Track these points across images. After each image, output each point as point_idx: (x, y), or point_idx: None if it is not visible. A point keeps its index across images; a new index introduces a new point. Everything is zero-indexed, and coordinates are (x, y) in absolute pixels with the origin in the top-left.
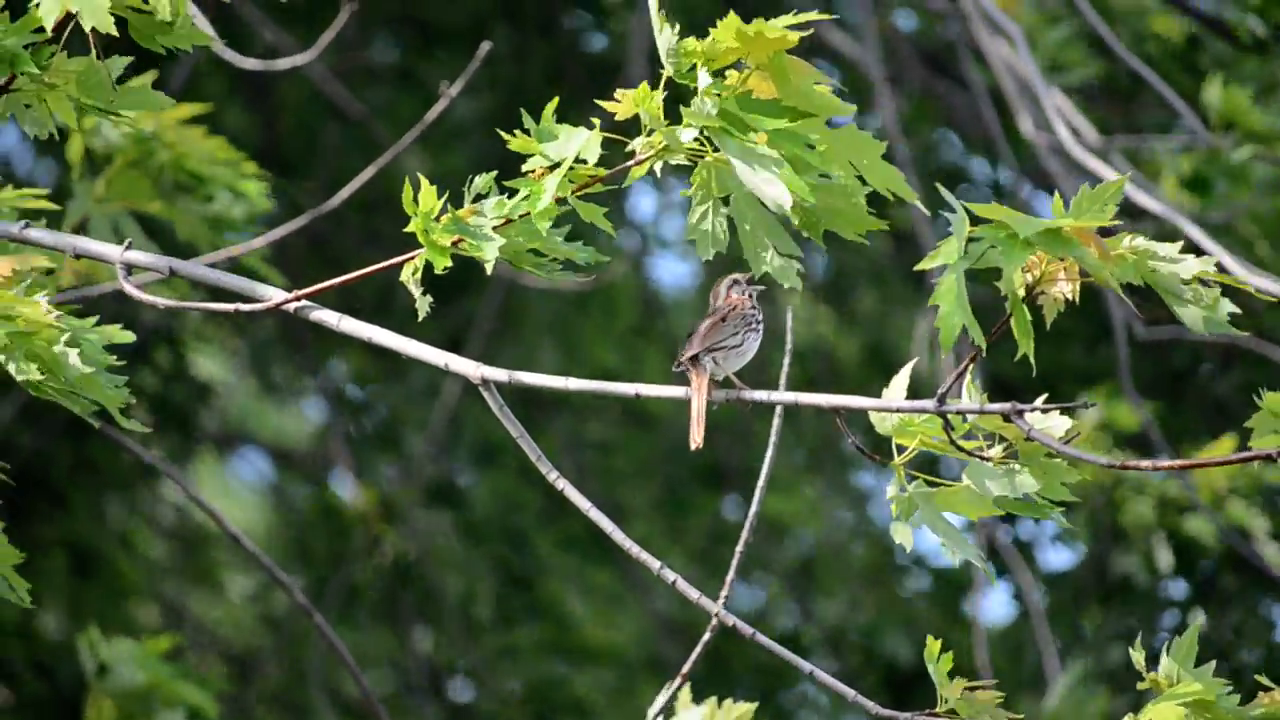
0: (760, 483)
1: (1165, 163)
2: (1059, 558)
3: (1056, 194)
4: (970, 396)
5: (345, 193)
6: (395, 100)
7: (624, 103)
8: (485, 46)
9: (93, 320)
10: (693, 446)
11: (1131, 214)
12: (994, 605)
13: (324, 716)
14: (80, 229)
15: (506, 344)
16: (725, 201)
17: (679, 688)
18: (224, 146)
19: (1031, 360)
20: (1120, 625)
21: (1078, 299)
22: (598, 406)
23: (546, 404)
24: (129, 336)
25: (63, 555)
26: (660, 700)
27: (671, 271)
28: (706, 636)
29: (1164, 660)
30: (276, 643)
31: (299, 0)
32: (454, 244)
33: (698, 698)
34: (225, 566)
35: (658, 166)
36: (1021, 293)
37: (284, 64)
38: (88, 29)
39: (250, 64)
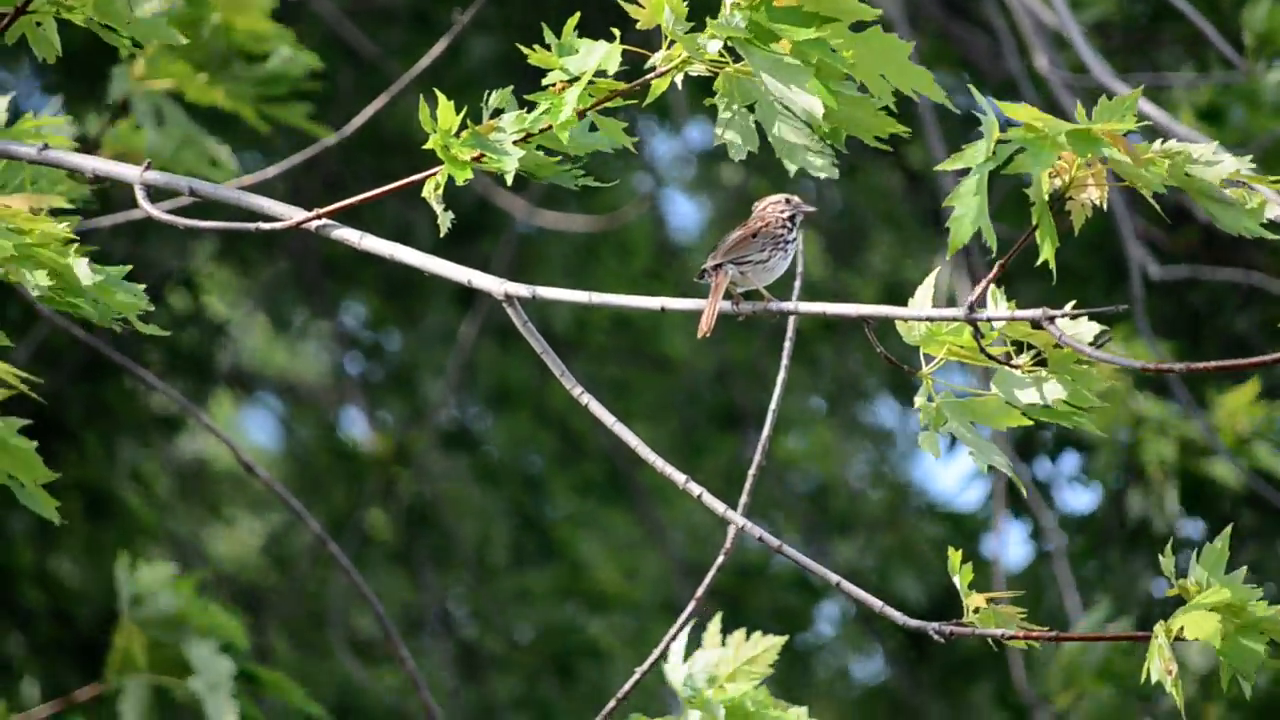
0: (779, 383)
1: (1181, 98)
2: (1077, 499)
3: (1079, 102)
4: (998, 304)
5: (357, 122)
6: (410, 43)
7: (646, 8)
8: None
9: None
10: (699, 334)
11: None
12: (1009, 547)
13: (339, 654)
14: (120, 111)
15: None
16: (750, 109)
17: (690, 615)
18: (268, 19)
19: (1052, 265)
20: (1140, 567)
21: (1105, 205)
22: (614, 349)
23: (563, 347)
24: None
25: (77, 498)
26: (677, 625)
27: (685, 214)
28: (728, 545)
29: (1193, 567)
30: (291, 581)
31: None
32: (475, 159)
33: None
34: (239, 505)
35: (679, 79)
36: (1048, 198)
37: None
38: None
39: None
